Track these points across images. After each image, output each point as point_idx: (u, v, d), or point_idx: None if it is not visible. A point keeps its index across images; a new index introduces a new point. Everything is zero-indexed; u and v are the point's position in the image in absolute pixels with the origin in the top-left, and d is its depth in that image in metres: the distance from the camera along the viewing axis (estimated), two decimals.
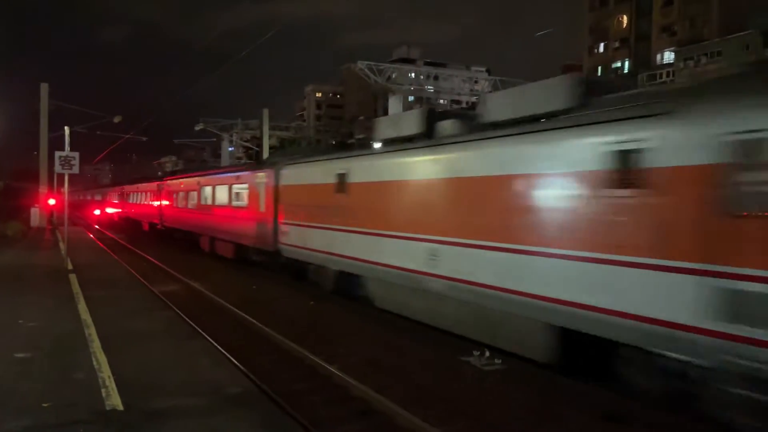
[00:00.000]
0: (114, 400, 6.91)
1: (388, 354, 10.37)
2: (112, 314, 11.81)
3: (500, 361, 9.59)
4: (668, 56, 65.64)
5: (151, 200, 36.91)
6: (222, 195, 23.41)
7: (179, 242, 30.02)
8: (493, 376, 9.17)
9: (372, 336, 11.70)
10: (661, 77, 62.46)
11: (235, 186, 22.02)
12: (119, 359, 8.52)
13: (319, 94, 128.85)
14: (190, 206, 27.85)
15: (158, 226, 34.27)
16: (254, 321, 12.54)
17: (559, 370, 8.75)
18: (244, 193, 20.95)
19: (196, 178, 27.84)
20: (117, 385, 7.40)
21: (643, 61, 69.02)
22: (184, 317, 12.30)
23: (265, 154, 44.75)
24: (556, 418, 7.53)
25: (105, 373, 7.90)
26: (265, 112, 47.49)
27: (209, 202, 24.84)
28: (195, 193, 27.11)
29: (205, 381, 7.71)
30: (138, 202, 41.43)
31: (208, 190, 25.19)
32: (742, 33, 53.87)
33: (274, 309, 14.25)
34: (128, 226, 44.07)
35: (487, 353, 9.76)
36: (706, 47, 58.91)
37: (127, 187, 47.13)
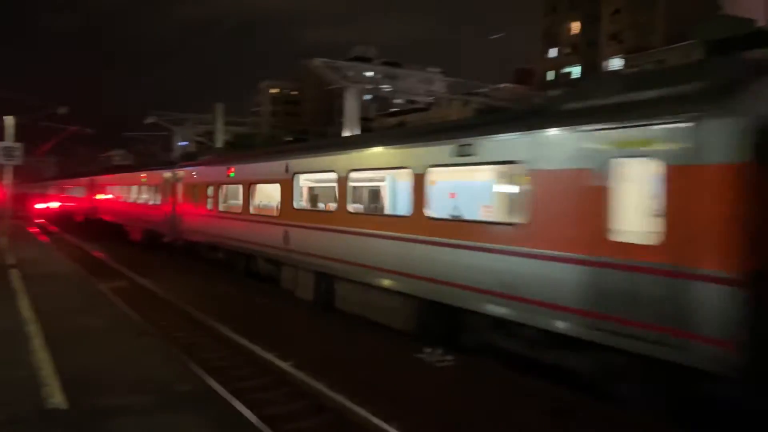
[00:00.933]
0: (57, 398, 6.69)
1: (342, 351, 10.39)
2: (55, 310, 11.41)
3: (452, 357, 9.73)
4: (616, 63, 67.78)
5: (87, 194, 38.70)
6: (138, 190, 27.50)
7: (114, 233, 30.92)
8: (445, 373, 9.31)
9: (325, 333, 11.69)
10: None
11: (148, 182, 26.05)
12: (63, 357, 8.24)
13: (275, 90, 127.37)
14: (116, 199, 31.58)
15: (91, 218, 36.54)
16: (206, 317, 12.37)
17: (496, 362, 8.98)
18: (153, 189, 25.09)
19: (120, 175, 32.08)
20: (61, 383, 7.17)
21: (593, 67, 71.04)
22: (132, 313, 12.00)
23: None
24: (504, 413, 7.69)
25: (47, 371, 7.64)
26: (219, 106, 46.74)
27: (132, 195, 28.52)
28: (121, 188, 30.74)
29: (153, 379, 7.55)
30: (77, 196, 42.58)
31: (130, 186, 28.98)
32: (684, 43, 56.11)
33: (224, 304, 14.07)
34: (69, 219, 43.06)
35: (440, 350, 9.90)
36: (651, 55, 61.09)
37: (66, 182, 46.75)
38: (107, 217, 32.84)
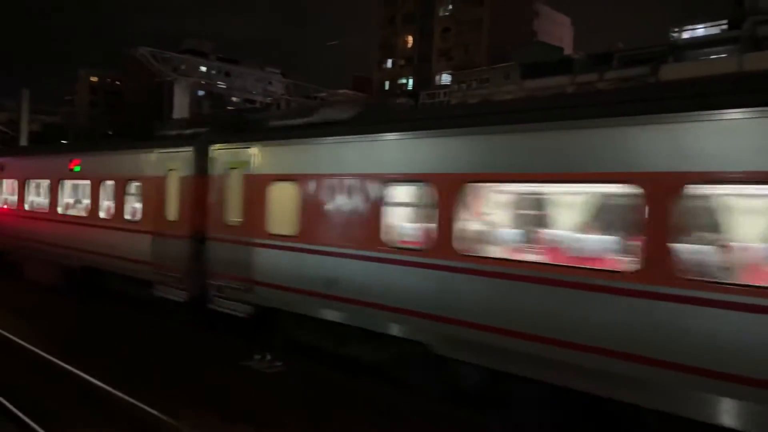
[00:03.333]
0: None
1: (164, 360, 9.57)
2: None
3: (281, 363, 9.46)
4: (446, 78, 72.24)
5: None
6: None
7: None
8: (273, 379, 9.00)
9: (147, 340, 10.74)
10: (438, 96, 68.43)
11: None
12: None
13: (94, 79, 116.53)
14: None
15: None
16: None
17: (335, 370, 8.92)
18: None
19: None
20: None
21: (425, 80, 75.01)
22: None
23: (24, 140, 39.24)
24: (330, 416, 7.60)
25: None
26: (25, 92, 41.50)
27: None
28: None
29: None
30: None
31: None
32: (505, 64, 61.43)
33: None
34: None
35: (268, 356, 9.57)
36: (476, 73, 66.00)
37: None
38: None
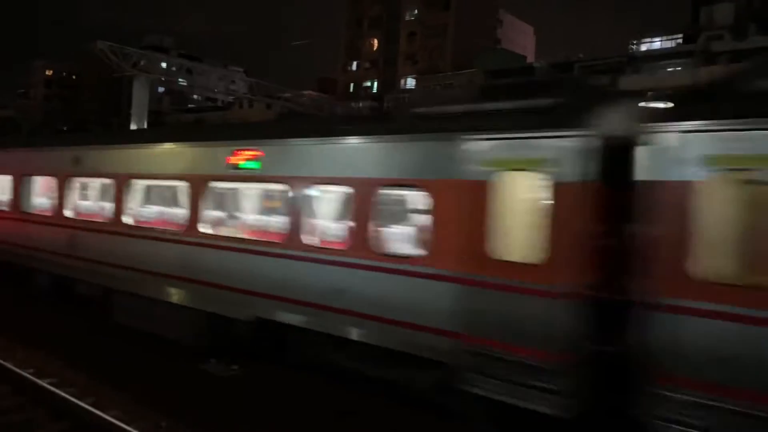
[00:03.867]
0: None
1: (118, 366, 9.30)
2: None
3: (237, 366, 9.32)
4: (410, 82, 72.63)
5: None
6: None
7: None
8: (229, 382, 8.87)
9: (101, 346, 10.42)
10: (404, 100, 68.76)
11: None
12: None
13: (49, 72, 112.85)
14: None
15: None
16: None
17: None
18: None
19: None
20: None
21: (390, 84, 75.24)
22: None
23: None
24: (288, 416, 7.54)
25: None
26: None
27: None
28: None
29: None
30: None
31: None
32: (468, 70, 62.18)
33: None
34: None
35: (225, 360, 9.42)
36: (440, 78, 66.59)
37: None
38: None
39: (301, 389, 8.53)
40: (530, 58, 68.29)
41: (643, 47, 52.13)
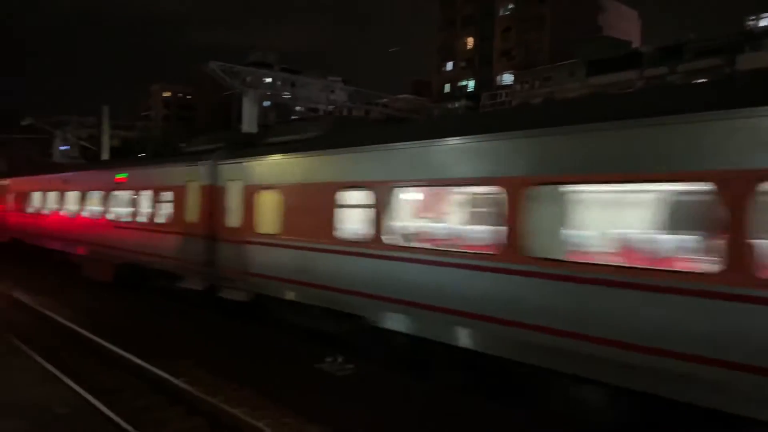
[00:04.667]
0: None
1: (239, 362, 10.00)
2: None
3: (352, 366, 9.67)
4: (507, 78, 71.31)
5: None
6: None
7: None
8: (345, 381, 9.23)
9: (217, 344, 11.23)
10: (501, 97, 67.65)
11: None
12: None
13: (167, 94, 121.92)
14: None
15: None
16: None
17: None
18: None
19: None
20: None
21: (486, 81, 74.31)
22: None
23: (106, 154, 41.48)
24: (403, 419, 7.73)
25: None
26: (105, 109, 43.94)
27: None
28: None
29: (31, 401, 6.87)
30: None
31: None
32: (568, 61, 60.07)
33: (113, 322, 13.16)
34: None
35: (340, 359, 9.81)
36: (538, 72, 64.84)
37: None
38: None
39: (415, 392, 8.71)
40: (636, 44, 64.88)
41: (763, 22, 47.92)
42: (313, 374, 9.50)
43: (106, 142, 43.19)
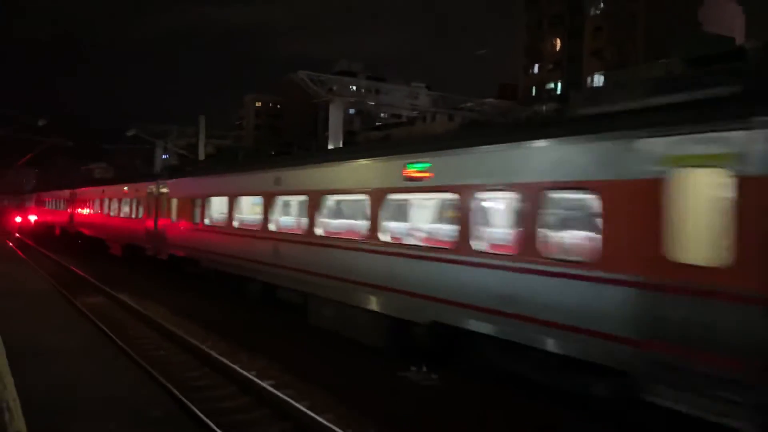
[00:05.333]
0: (18, 424, 6.28)
1: (324, 369, 10.05)
2: (22, 328, 10.94)
3: (437, 376, 9.47)
4: (598, 79, 68.57)
5: (66, 208, 38.13)
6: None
7: (93, 247, 30.81)
8: (430, 391, 9.05)
9: (305, 350, 11.34)
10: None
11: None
12: (28, 379, 7.82)
13: (258, 104, 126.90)
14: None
15: (69, 231, 36.31)
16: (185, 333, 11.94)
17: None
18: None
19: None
20: (23, 407, 6.75)
21: (575, 83, 71.80)
22: (106, 332, 11.54)
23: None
24: (487, 429, 7.45)
25: (9, 395, 7.21)
26: (202, 119, 46.23)
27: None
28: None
29: (125, 402, 7.18)
30: (56, 209, 42.10)
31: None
32: (665, 60, 56.98)
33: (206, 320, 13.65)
34: (47, 232, 42.60)
35: (424, 368, 9.64)
36: (632, 71, 61.90)
37: (45, 195, 46.10)
38: (87, 231, 32.55)
39: (499, 402, 8.41)
40: (739, 40, 60.52)
41: None
42: (397, 382, 9.37)
43: (202, 150, 45.40)
